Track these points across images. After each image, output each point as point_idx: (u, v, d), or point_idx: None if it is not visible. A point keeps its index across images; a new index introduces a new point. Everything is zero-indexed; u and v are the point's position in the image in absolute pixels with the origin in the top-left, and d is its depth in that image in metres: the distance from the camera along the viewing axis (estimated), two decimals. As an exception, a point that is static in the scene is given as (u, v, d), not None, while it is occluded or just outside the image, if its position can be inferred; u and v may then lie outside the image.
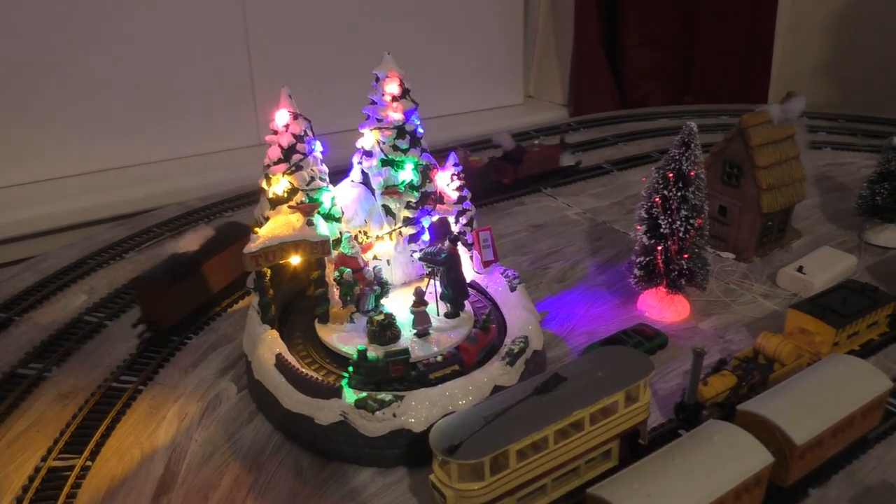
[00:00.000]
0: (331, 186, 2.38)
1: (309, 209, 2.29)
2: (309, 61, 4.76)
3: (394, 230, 2.53)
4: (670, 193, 2.59)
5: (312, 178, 2.30)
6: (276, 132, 2.30)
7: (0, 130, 4.05)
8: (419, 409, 2.06)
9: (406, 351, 2.20)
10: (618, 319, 2.83)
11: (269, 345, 2.28)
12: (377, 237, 2.52)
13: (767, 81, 5.90)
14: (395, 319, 2.32)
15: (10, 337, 2.74)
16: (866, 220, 3.41)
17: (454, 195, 2.57)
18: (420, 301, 2.34)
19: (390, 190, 2.50)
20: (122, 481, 2.09)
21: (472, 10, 5.37)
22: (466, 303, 2.47)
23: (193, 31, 4.39)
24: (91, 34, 4.12)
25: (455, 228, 2.58)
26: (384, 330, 2.28)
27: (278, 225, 2.26)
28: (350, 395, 2.08)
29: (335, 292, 2.41)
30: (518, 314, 2.44)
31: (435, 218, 2.56)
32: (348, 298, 2.38)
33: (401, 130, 2.46)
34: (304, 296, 2.48)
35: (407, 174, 2.49)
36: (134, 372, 2.53)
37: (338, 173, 2.53)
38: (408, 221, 2.53)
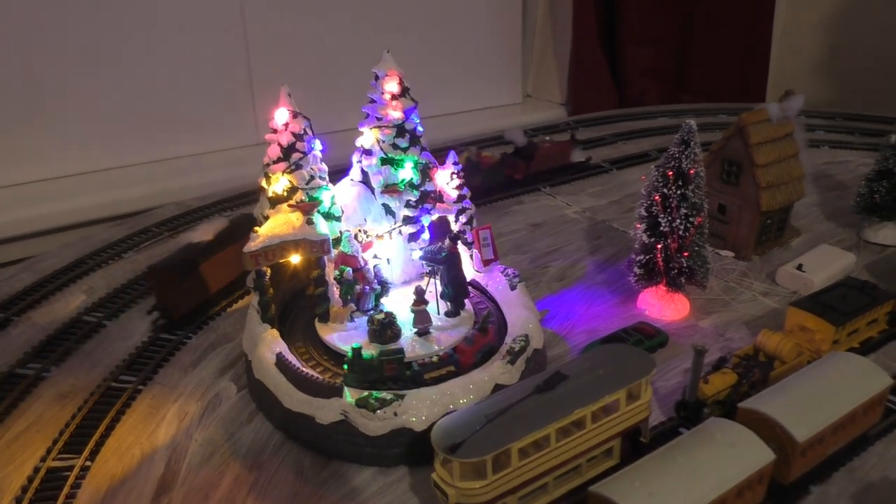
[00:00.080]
0: (330, 185, 2.37)
1: (309, 208, 2.28)
2: (308, 60, 4.76)
3: (393, 229, 2.53)
4: (670, 191, 2.59)
5: (312, 177, 2.29)
6: (275, 131, 2.30)
7: (-1, 131, 4.06)
8: (420, 408, 2.06)
9: (401, 350, 2.20)
10: (618, 318, 2.83)
11: (270, 344, 2.27)
12: (377, 236, 2.52)
13: (765, 80, 5.91)
14: (395, 318, 2.31)
15: (8, 337, 2.74)
16: (865, 218, 3.41)
17: (454, 194, 2.57)
18: (420, 300, 2.34)
19: (390, 188, 2.50)
20: (122, 481, 2.08)
21: (471, 10, 5.38)
22: (467, 301, 2.47)
23: (193, 31, 4.38)
24: (91, 34, 4.11)
25: (455, 227, 2.57)
26: (385, 329, 2.28)
27: (278, 224, 2.25)
28: (350, 394, 2.07)
29: (335, 291, 2.41)
30: (518, 313, 2.44)
31: (435, 216, 2.55)
32: (348, 297, 2.38)
33: (400, 129, 2.46)
34: (304, 295, 2.47)
35: (406, 173, 2.49)
36: (133, 372, 2.53)
37: (337, 172, 2.53)
38: (407, 220, 2.53)
